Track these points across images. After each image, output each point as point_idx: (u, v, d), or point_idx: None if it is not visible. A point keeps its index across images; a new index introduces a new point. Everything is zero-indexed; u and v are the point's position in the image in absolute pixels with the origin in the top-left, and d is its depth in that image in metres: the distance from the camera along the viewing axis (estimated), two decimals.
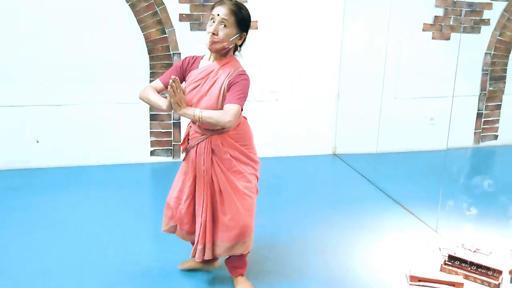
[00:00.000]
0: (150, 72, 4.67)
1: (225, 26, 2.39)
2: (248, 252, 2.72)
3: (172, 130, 4.83)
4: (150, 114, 4.77)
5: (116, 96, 4.68)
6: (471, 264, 2.93)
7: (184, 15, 4.62)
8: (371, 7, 4.95)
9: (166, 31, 4.62)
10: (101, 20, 4.52)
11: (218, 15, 2.39)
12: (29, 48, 4.43)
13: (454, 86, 3.71)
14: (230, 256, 2.72)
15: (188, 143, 2.63)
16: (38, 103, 4.54)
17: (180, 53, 4.67)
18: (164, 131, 4.84)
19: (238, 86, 2.42)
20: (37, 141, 4.61)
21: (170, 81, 2.28)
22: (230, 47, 2.48)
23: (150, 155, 4.87)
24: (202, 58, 2.57)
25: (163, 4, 4.56)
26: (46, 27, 4.42)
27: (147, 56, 4.64)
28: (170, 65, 4.67)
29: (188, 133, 2.64)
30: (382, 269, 3.02)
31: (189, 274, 2.90)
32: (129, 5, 4.50)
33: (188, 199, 2.63)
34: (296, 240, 3.38)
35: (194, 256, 2.67)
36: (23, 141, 4.58)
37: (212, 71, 2.48)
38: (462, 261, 2.97)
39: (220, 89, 2.44)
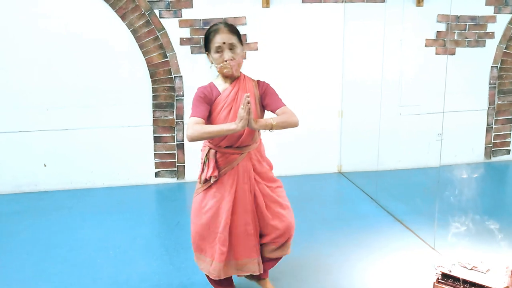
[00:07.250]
0: (153, 95, 4.77)
1: (233, 48, 2.48)
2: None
3: (176, 152, 4.90)
4: (154, 136, 4.85)
5: (120, 119, 4.79)
6: (464, 282, 2.86)
7: (184, 39, 4.72)
8: (369, 23, 4.95)
9: (167, 55, 4.72)
10: (104, 47, 4.65)
11: (224, 43, 2.45)
12: (35, 75, 4.59)
13: (444, 101, 3.65)
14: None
15: (219, 170, 2.57)
16: (45, 128, 4.68)
17: (181, 75, 4.76)
18: (168, 152, 4.90)
19: (273, 91, 2.63)
20: (45, 165, 4.74)
21: (246, 99, 2.28)
22: None
23: (155, 176, 4.93)
24: (214, 85, 2.57)
25: (164, 29, 4.67)
26: (50, 55, 4.59)
27: (149, 79, 4.74)
28: (172, 88, 4.76)
29: (215, 160, 2.56)
30: None
31: None
32: (130, 31, 4.63)
33: (227, 224, 2.58)
34: (293, 258, 3.34)
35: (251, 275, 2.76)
36: (31, 165, 4.72)
37: (239, 89, 2.55)
38: (456, 279, 2.89)
39: (255, 101, 2.57)
